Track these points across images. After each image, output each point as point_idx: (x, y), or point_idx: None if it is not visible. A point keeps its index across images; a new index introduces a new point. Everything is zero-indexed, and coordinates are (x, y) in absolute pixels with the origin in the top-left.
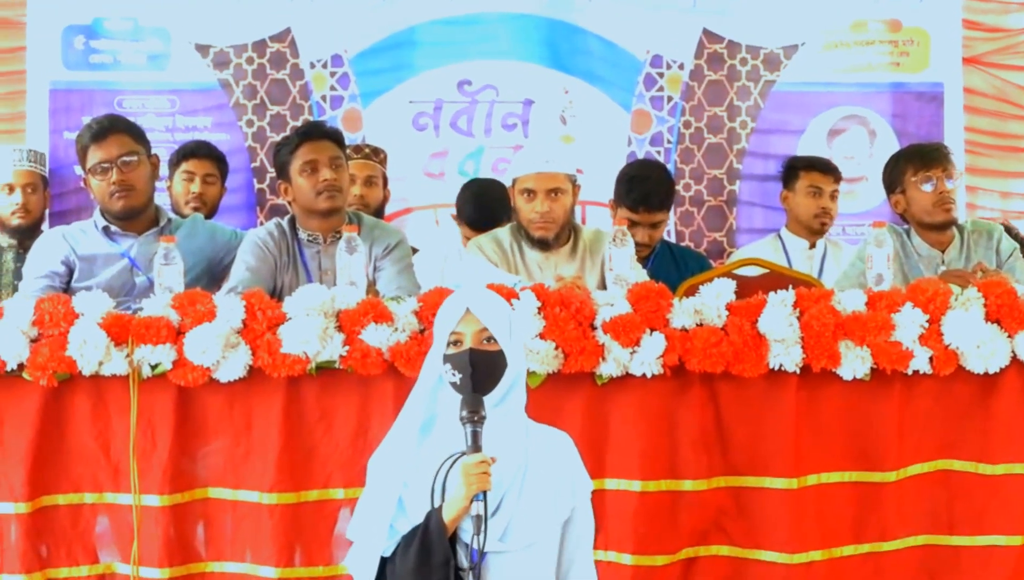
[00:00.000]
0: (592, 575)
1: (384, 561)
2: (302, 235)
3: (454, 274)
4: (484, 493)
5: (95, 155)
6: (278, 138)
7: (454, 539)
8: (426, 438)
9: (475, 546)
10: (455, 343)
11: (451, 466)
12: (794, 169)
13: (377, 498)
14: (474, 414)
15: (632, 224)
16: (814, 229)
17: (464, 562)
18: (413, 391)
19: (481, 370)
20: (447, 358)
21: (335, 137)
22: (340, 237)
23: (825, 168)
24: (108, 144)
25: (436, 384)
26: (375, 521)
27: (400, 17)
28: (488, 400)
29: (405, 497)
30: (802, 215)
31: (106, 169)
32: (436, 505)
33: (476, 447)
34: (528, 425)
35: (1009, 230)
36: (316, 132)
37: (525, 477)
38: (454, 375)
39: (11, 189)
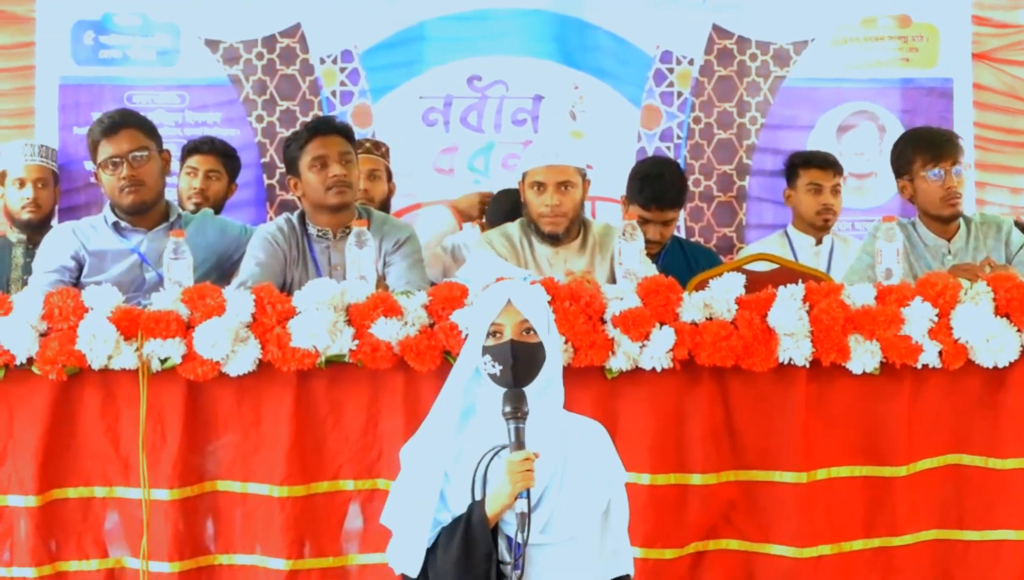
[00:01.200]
0: (631, 563)
1: (426, 552)
2: (312, 230)
3: (463, 269)
4: (528, 490)
5: (106, 150)
6: (288, 134)
7: (495, 531)
8: (465, 429)
9: (519, 541)
10: (495, 334)
11: (491, 459)
12: (794, 167)
13: (417, 489)
14: (517, 411)
15: (644, 221)
16: (818, 226)
17: (506, 555)
18: (448, 383)
19: (522, 362)
20: (487, 349)
21: (345, 132)
22: (350, 232)
23: (823, 163)
24: (119, 139)
25: (473, 376)
26: (418, 513)
27: (410, 13)
28: (529, 391)
29: (446, 490)
30: (805, 213)
31: (116, 164)
32: (477, 498)
33: (520, 444)
34: (565, 417)
35: (1022, 227)
36: (325, 127)
37: (566, 470)
38: (494, 367)
39: (22, 183)
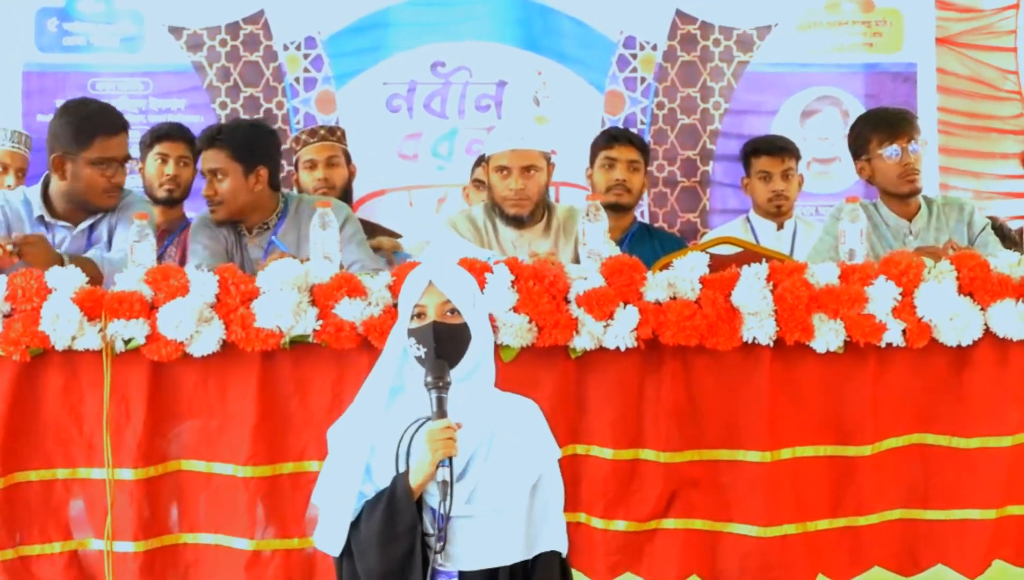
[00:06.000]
0: (562, 540)
1: (349, 527)
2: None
3: (427, 251)
4: (450, 459)
5: (104, 148)
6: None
7: (420, 504)
8: (392, 405)
9: (441, 511)
10: (418, 316)
11: (416, 431)
12: (746, 156)
13: (344, 465)
14: (439, 379)
15: (611, 165)
16: (772, 212)
17: (430, 527)
18: (378, 363)
19: (445, 343)
20: (411, 332)
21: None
22: (266, 228)
23: (771, 149)
24: (118, 143)
25: (402, 357)
26: (343, 488)
27: None
28: (455, 374)
29: (372, 463)
30: (758, 200)
31: (104, 166)
32: (401, 470)
33: (441, 413)
34: (496, 394)
35: (1000, 229)
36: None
37: (492, 442)
38: (418, 349)
39: (4, 169)
